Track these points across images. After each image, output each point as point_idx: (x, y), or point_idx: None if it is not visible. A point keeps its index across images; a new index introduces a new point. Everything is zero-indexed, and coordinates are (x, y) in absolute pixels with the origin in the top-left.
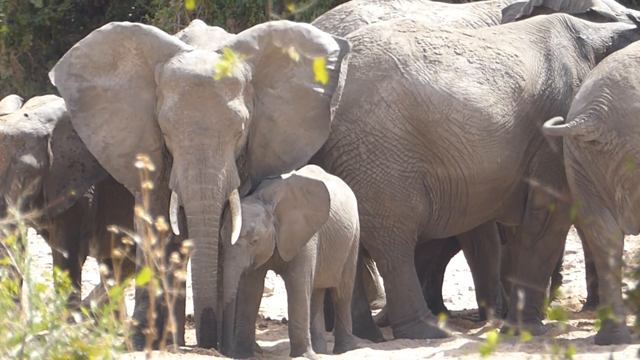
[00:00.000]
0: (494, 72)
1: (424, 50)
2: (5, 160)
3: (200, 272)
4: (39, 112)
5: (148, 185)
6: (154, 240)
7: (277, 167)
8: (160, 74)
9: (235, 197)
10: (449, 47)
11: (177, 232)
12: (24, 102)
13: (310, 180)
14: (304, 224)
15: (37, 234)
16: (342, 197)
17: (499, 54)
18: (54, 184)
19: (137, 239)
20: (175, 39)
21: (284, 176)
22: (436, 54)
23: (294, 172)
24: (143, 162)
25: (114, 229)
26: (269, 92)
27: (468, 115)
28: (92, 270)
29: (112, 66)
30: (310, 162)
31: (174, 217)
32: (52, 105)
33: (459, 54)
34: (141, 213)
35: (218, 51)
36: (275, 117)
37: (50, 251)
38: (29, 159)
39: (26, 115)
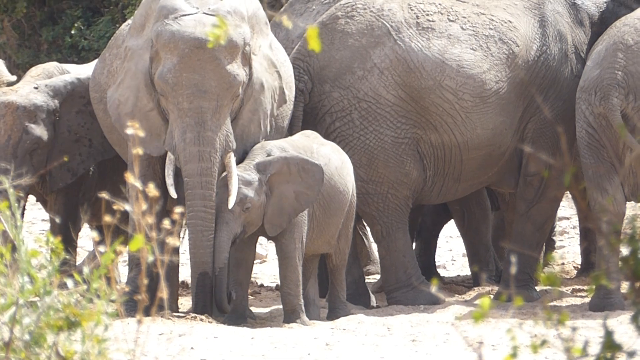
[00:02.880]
0: (487, 38)
1: (417, 17)
2: (18, 131)
3: (197, 236)
4: (49, 85)
5: (138, 151)
6: (145, 207)
7: (255, 136)
8: (158, 34)
9: (231, 161)
10: (442, 13)
11: (173, 194)
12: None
13: (307, 160)
14: (293, 200)
15: (37, 200)
16: (337, 162)
17: (492, 20)
18: (58, 158)
19: (127, 206)
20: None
21: (279, 149)
22: (429, 20)
23: (289, 139)
24: (133, 128)
25: (104, 195)
26: (254, 58)
27: (461, 81)
28: (85, 236)
29: (142, 27)
30: (303, 128)
31: (170, 180)
32: (63, 78)
33: (452, 21)
34: (131, 179)
35: (216, 14)
36: (264, 83)
37: (45, 218)
38: (39, 130)
39: (36, 87)
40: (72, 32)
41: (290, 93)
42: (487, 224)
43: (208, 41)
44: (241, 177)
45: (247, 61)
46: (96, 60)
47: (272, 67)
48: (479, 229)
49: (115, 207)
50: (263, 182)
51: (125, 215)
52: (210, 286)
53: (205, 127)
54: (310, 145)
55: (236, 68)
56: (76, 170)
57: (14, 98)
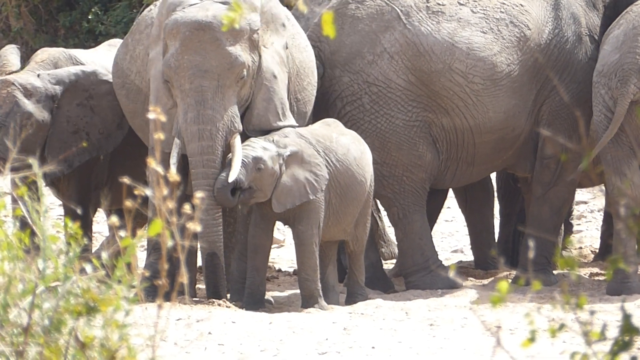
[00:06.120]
0: (498, 21)
1: (427, 0)
2: (10, 102)
3: (203, 215)
4: (51, 74)
5: (160, 136)
6: (165, 191)
7: (274, 125)
8: (165, 26)
9: (236, 141)
10: None
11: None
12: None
13: (317, 155)
14: (302, 185)
15: (46, 185)
16: (356, 152)
17: (503, 3)
18: (55, 147)
19: (148, 191)
20: None
21: (296, 134)
22: (439, 4)
23: (309, 127)
24: (155, 113)
25: (125, 179)
26: (265, 50)
27: (471, 64)
28: (102, 221)
29: (159, 37)
30: (314, 112)
31: (173, 159)
32: (68, 69)
33: (462, 4)
34: (153, 164)
35: (224, 2)
36: (276, 75)
37: (61, 203)
38: (32, 107)
39: (38, 76)
40: (89, 17)
41: (313, 78)
42: (490, 206)
43: (209, 22)
44: (259, 142)
45: (254, 48)
46: (101, 46)
47: (283, 65)
48: (482, 211)
49: (136, 192)
50: (281, 156)
51: (143, 199)
52: (221, 266)
53: (205, 106)
54: (330, 134)
55: (239, 50)
56: (72, 162)
57: (14, 77)
